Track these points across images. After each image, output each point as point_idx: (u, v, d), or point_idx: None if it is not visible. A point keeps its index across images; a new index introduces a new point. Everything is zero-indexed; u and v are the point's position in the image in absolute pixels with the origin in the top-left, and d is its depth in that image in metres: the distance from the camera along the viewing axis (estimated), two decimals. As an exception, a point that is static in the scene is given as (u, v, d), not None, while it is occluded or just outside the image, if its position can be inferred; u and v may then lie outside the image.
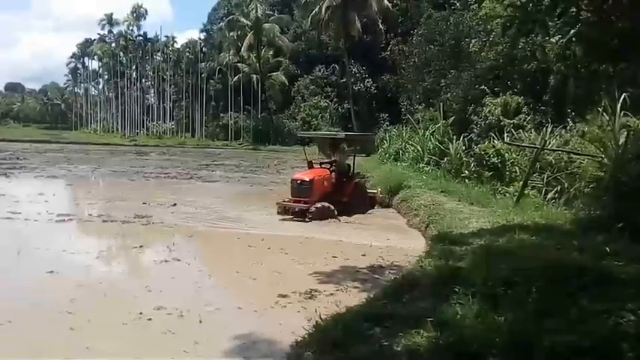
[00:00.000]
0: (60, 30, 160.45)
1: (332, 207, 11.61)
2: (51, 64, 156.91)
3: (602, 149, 9.16)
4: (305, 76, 47.23)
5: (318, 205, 11.52)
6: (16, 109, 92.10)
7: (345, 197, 12.30)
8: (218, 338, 4.75)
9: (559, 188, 10.39)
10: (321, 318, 4.01)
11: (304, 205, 11.58)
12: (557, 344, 2.99)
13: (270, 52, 49.79)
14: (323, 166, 13.21)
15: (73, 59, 77.25)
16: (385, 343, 3.37)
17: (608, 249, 5.00)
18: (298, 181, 12.12)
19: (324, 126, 40.91)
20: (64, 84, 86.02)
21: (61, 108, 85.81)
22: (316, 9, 39.21)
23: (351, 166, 13.33)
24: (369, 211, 12.70)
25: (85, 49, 72.08)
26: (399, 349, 3.28)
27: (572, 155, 10.78)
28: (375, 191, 13.67)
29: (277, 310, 5.62)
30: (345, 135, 15.60)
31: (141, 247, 8.84)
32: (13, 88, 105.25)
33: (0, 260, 7.56)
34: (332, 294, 5.98)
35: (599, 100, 11.36)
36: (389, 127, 30.22)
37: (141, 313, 5.30)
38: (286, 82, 48.71)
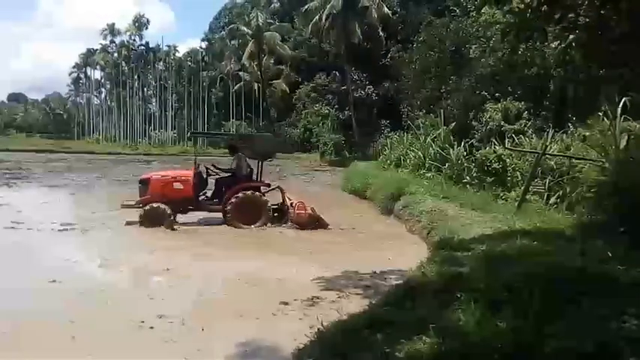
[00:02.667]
0: (62, 40, 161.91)
1: (167, 209, 10.68)
2: (53, 74, 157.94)
3: (603, 154, 9.15)
4: (306, 83, 47.45)
5: (155, 205, 10.77)
6: (18, 119, 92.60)
7: (219, 205, 11.32)
8: (220, 345, 4.75)
9: (561, 193, 10.37)
10: (322, 325, 4.01)
11: (140, 205, 11.00)
12: (560, 349, 2.98)
13: (271, 61, 50.09)
14: (210, 169, 12.13)
15: (76, 69, 77.74)
16: (387, 350, 3.37)
17: (610, 253, 4.99)
18: (139, 181, 11.66)
19: (325, 133, 41.00)
20: (67, 94, 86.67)
21: (64, 118, 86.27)
22: (317, 17, 39.47)
23: (245, 170, 11.90)
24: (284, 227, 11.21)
25: (88, 58, 72.60)
26: (401, 355, 3.28)
27: (573, 160, 10.77)
28: (300, 208, 11.23)
29: (279, 317, 5.61)
30: (233, 135, 15.17)
31: (145, 254, 8.84)
32: (15, 98, 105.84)
33: (2, 269, 7.56)
34: (334, 301, 5.97)
35: (600, 104, 11.38)
36: (390, 134, 30.26)
37: (143, 322, 5.29)
38: (287, 89, 48.96)
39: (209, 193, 12.00)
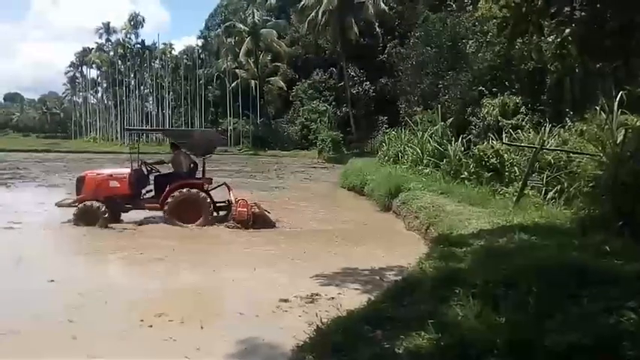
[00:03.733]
0: (58, 39, 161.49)
1: (101, 207, 10.55)
2: (49, 74, 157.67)
3: (600, 148, 9.17)
4: (303, 80, 47.36)
5: (88, 203, 10.64)
6: (15, 119, 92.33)
7: (158, 203, 11.00)
8: (219, 343, 4.75)
9: (558, 188, 10.39)
10: (322, 322, 4.01)
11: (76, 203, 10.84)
12: (558, 344, 2.98)
13: (268, 58, 50.00)
14: (152, 166, 11.91)
15: (72, 68, 77.54)
16: (386, 346, 3.37)
17: (608, 247, 5.00)
18: (77, 179, 11.48)
19: (323, 130, 40.98)
20: (63, 93, 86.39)
21: (60, 117, 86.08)
22: (313, 13, 39.37)
23: (186, 167, 11.60)
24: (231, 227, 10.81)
25: (83, 58, 72.33)
26: (400, 351, 3.28)
27: (571, 154, 10.79)
28: (242, 205, 10.87)
29: (278, 314, 5.62)
30: (170, 130, 14.88)
31: (141, 253, 8.83)
32: (12, 98, 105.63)
33: (1, 270, 7.55)
34: (333, 297, 5.98)
35: (597, 98, 11.39)
36: (388, 130, 30.25)
37: (142, 320, 5.29)
38: (284, 86, 48.88)
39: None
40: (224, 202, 11.63)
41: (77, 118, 72.91)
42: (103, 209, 10.60)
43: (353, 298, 5.59)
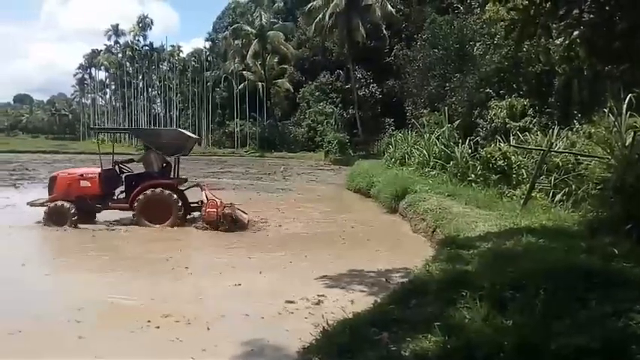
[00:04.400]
0: (67, 42, 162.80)
1: (70, 208, 10.56)
2: (58, 76, 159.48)
3: (609, 150, 9.10)
4: (310, 82, 47.37)
5: (58, 203, 10.69)
6: (24, 120, 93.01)
7: (127, 203, 11.01)
8: (226, 344, 4.76)
9: (566, 190, 10.32)
10: (328, 324, 4.01)
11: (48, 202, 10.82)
12: (566, 347, 2.96)
13: (275, 60, 50.06)
14: (122, 165, 11.91)
15: (80, 70, 78.08)
16: (393, 349, 3.36)
17: (616, 250, 4.96)
18: (49, 178, 11.51)
19: (329, 132, 40.97)
20: (72, 95, 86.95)
21: (69, 118, 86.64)
22: (320, 16, 39.38)
23: (157, 166, 11.49)
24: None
25: (92, 59, 72.85)
26: (406, 354, 3.27)
27: (579, 157, 10.72)
28: (211, 206, 10.73)
29: (284, 316, 5.62)
30: (136, 130, 14.60)
31: (148, 253, 8.88)
32: (21, 99, 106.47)
33: (10, 270, 7.62)
34: (339, 299, 5.97)
35: (605, 101, 11.31)
36: (394, 132, 30.18)
37: (149, 321, 5.32)
38: (291, 88, 48.92)
39: None
40: (198, 202, 11.48)
41: (86, 120, 73.34)
42: (73, 210, 10.61)
43: (359, 300, 5.59)
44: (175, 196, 10.94)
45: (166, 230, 10.64)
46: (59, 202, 10.73)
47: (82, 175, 11.34)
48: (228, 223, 10.62)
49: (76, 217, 10.64)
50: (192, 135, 13.82)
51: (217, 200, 10.95)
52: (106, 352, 4.62)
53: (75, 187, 11.02)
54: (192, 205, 11.45)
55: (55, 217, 10.64)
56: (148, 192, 10.84)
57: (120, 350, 4.71)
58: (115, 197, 11.52)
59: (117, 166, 11.73)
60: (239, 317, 5.66)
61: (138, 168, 12.08)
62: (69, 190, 10.94)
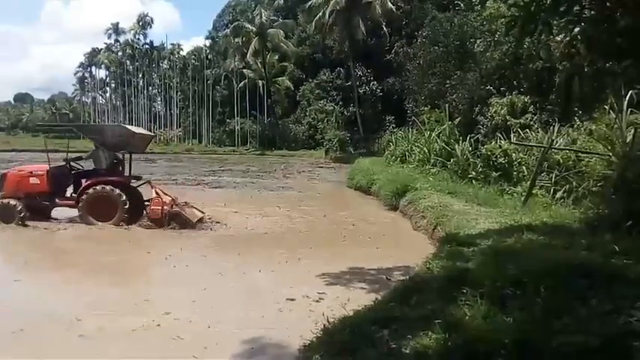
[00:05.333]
0: (67, 40, 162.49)
1: (17, 205, 10.46)
2: (59, 75, 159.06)
3: (609, 147, 9.10)
4: (310, 80, 47.39)
5: (5, 201, 10.61)
6: (25, 119, 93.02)
7: (73, 200, 10.88)
8: (227, 343, 4.77)
9: (567, 187, 10.32)
10: (328, 321, 4.01)
11: None
12: (566, 344, 2.97)
13: (275, 58, 50.06)
14: (75, 163, 11.69)
15: (81, 69, 78.03)
16: (394, 346, 3.37)
17: (617, 247, 4.96)
18: (1, 175, 11.38)
19: (330, 130, 41.00)
20: (72, 93, 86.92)
21: (70, 117, 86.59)
22: (320, 13, 39.32)
23: (104, 163, 11.28)
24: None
25: (93, 58, 72.81)
26: (407, 351, 3.28)
27: (579, 154, 10.71)
28: (156, 203, 10.59)
29: (285, 313, 5.63)
30: (81, 126, 14.24)
31: (149, 253, 8.89)
32: (22, 98, 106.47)
33: (10, 268, 7.63)
34: (339, 297, 5.98)
35: (606, 98, 11.30)
36: (395, 130, 30.18)
37: (153, 320, 5.32)
38: (292, 86, 48.93)
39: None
40: (150, 199, 11.20)
41: (86, 118, 73.36)
42: (20, 207, 10.53)
43: (360, 298, 5.59)
44: (121, 192, 10.74)
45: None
46: (6, 200, 10.70)
47: (31, 172, 11.27)
48: (177, 221, 10.49)
49: (23, 215, 10.55)
50: (142, 131, 13.54)
51: (166, 198, 10.80)
52: (107, 352, 4.63)
53: (24, 184, 10.95)
54: (147, 202, 11.19)
55: (2, 215, 10.58)
56: (94, 189, 10.73)
57: (121, 349, 4.72)
58: (70, 195, 11.35)
59: (69, 164, 11.59)
60: (240, 315, 5.67)
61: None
62: (18, 188, 10.88)
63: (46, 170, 11.11)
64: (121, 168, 11.61)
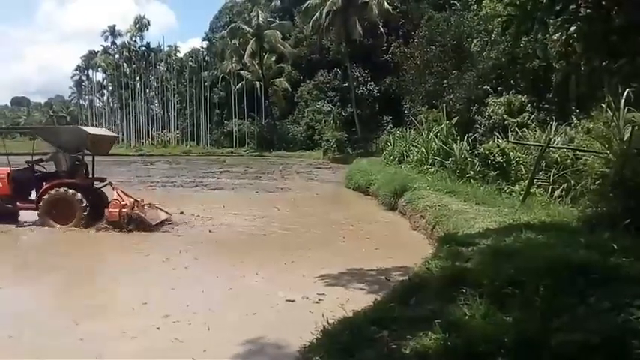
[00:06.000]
0: (64, 43, 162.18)
1: None
2: (56, 77, 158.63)
3: (607, 145, 9.12)
4: (307, 81, 47.46)
5: None
6: (22, 122, 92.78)
7: (32, 203, 10.89)
8: (226, 344, 4.77)
9: (565, 186, 10.35)
10: (328, 322, 4.01)
11: None
12: (566, 342, 2.97)
13: (273, 59, 50.12)
14: (39, 165, 11.57)
15: (78, 71, 77.95)
16: (393, 346, 3.37)
17: (615, 245, 4.96)
18: None
19: (327, 130, 41.04)
20: (70, 96, 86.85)
21: (67, 120, 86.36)
22: (317, 14, 39.39)
23: (65, 165, 11.19)
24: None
25: (89, 61, 72.75)
26: (407, 351, 3.28)
27: (577, 152, 10.74)
28: (114, 206, 10.50)
29: (285, 314, 5.63)
30: (35, 128, 14.00)
31: (147, 255, 8.87)
32: (19, 102, 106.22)
33: (11, 270, 7.62)
34: (339, 297, 5.98)
35: (603, 96, 11.32)
36: (393, 130, 30.21)
37: (158, 322, 5.31)
38: (289, 87, 49.00)
39: None
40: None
41: (83, 121, 73.16)
42: None
43: (359, 299, 5.59)
44: (80, 195, 10.66)
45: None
46: None
47: None
48: (136, 223, 10.39)
49: None
50: (100, 132, 13.41)
51: (128, 200, 10.72)
52: (106, 354, 4.62)
53: None
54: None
55: None
56: (52, 192, 10.68)
57: (120, 352, 4.71)
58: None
59: (32, 166, 11.49)
60: (239, 316, 5.67)
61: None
62: None
63: (6, 173, 11.04)
64: (84, 170, 11.55)
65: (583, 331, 3.06)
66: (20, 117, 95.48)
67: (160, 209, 11.39)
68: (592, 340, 2.94)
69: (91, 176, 11.57)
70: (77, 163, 11.36)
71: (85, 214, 10.57)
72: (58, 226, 10.53)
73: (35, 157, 11.58)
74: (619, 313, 3.30)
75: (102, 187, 11.57)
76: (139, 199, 11.10)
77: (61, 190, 10.66)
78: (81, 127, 13.69)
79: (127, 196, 10.97)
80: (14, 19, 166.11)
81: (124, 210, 10.40)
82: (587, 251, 4.94)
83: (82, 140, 11.28)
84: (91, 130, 12.59)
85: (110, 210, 10.50)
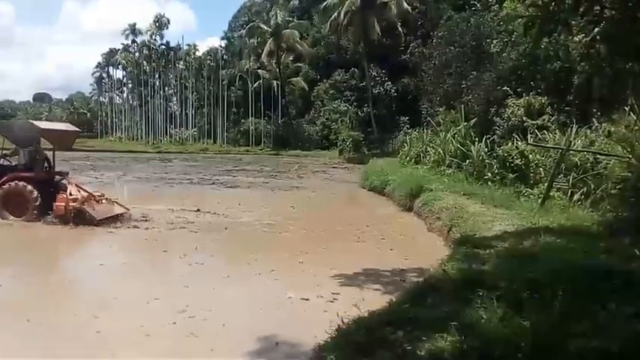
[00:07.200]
0: (85, 41, 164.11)
1: None
2: (77, 75, 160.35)
3: (629, 149, 8.94)
4: (325, 80, 47.47)
5: None
6: (43, 118, 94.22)
7: None
8: (241, 341, 4.79)
9: (585, 190, 10.17)
10: (343, 322, 4.01)
11: None
12: (584, 349, 2.93)
13: (290, 58, 50.26)
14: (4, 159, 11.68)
15: (98, 69, 78.95)
16: (408, 348, 3.35)
17: (636, 251, 4.87)
18: None
19: (344, 130, 40.99)
20: (90, 93, 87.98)
21: (87, 117, 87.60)
22: (335, 14, 39.36)
23: (24, 159, 11.26)
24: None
25: (110, 58, 73.67)
26: (422, 353, 3.25)
27: (598, 156, 10.55)
28: (61, 200, 10.49)
29: (299, 313, 5.64)
30: None
31: (165, 252, 8.96)
32: (40, 98, 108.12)
33: (29, 267, 7.76)
34: (353, 297, 5.96)
35: (626, 99, 11.11)
36: (409, 130, 30.05)
37: (175, 318, 5.36)
38: (306, 87, 49.06)
39: None
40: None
41: (103, 118, 74.29)
42: None
43: (374, 299, 5.57)
44: (31, 188, 10.81)
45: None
46: None
47: None
48: (82, 217, 10.41)
49: None
50: (56, 126, 13.50)
51: (79, 194, 10.79)
52: (122, 348, 4.68)
53: None
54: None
55: None
56: (5, 186, 10.88)
57: (137, 346, 4.76)
58: None
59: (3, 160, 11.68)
60: (254, 314, 5.69)
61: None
62: None
63: None
64: (45, 164, 11.67)
65: (603, 337, 3.01)
66: (42, 113, 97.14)
67: (118, 204, 11.51)
68: (612, 348, 2.89)
69: (51, 170, 11.69)
70: (38, 157, 11.49)
71: (37, 205, 10.72)
72: (12, 217, 10.75)
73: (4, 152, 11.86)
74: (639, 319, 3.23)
75: (58, 181, 11.58)
76: (96, 194, 11.24)
77: (16, 183, 10.88)
78: (32, 121, 13.95)
79: (83, 190, 11.08)
80: (38, 20, 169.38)
81: (70, 204, 10.48)
82: (608, 256, 4.87)
83: (32, 135, 11.47)
84: (43, 124, 12.83)
85: (56, 204, 10.60)
